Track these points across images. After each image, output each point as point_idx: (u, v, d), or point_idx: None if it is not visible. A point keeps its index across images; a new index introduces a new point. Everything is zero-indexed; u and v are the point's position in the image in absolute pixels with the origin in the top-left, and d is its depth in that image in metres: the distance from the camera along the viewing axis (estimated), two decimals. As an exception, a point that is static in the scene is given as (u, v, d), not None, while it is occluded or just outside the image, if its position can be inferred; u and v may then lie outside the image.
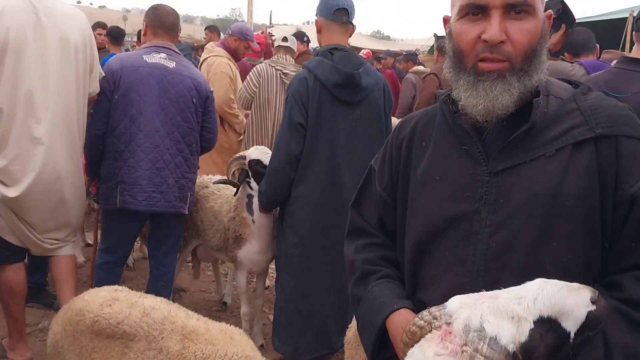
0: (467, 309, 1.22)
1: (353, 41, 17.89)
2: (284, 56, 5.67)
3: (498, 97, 1.42)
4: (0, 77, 3.22)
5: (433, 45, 13.55)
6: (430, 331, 1.27)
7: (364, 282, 1.74)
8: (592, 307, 1.23)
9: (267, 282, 4.97)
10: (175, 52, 3.96)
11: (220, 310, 4.95)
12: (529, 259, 1.42)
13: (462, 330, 1.18)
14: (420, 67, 9.84)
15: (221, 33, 9.73)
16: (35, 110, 3.30)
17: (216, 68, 5.87)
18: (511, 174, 1.46)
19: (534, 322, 1.18)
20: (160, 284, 3.99)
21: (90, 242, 5.28)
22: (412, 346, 1.29)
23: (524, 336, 1.16)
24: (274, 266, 4.15)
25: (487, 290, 1.30)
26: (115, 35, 8.02)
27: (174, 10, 4.05)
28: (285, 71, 5.50)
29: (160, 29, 3.94)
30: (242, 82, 5.85)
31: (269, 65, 5.59)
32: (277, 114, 5.46)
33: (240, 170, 3.92)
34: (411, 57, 10.97)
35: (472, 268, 1.48)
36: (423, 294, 1.61)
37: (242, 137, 5.91)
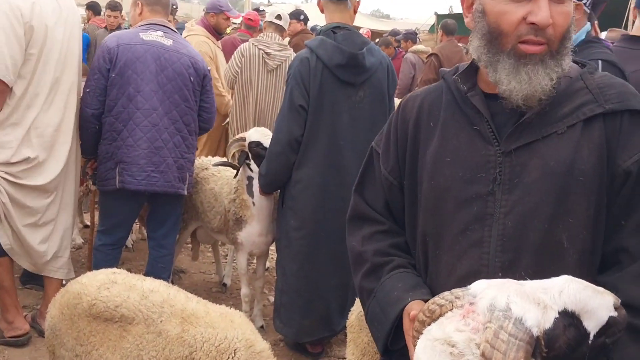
0: (493, 289, 1.19)
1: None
2: (271, 34, 5.54)
3: (541, 81, 1.40)
4: (43, 68, 3.43)
5: (433, 24, 13.48)
6: (451, 310, 1.24)
7: (375, 274, 1.69)
8: (614, 313, 1.22)
9: (267, 264, 4.94)
10: (172, 29, 3.91)
11: (220, 292, 4.93)
12: (546, 237, 1.40)
13: (486, 309, 1.16)
14: (420, 46, 9.72)
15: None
16: (62, 99, 3.56)
17: (194, 48, 5.79)
18: (524, 153, 1.44)
19: (559, 312, 1.16)
20: (159, 266, 3.96)
21: (89, 223, 5.25)
22: (430, 324, 1.26)
23: (548, 323, 1.14)
24: (274, 248, 4.13)
25: (504, 274, 1.29)
26: (95, 8, 10.14)
27: None
28: (268, 51, 5.41)
29: (157, 5, 3.89)
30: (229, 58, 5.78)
31: (252, 44, 5.50)
32: (259, 94, 5.43)
33: (240, 152, 3.87)
34: (410, 36, 10.82)
35: (488, 250, 1.45)
36: (437, 282, 1.56)
37: (227, 119, 5.85)
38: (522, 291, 1.18)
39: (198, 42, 5.71)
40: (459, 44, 8.22)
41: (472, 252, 1.47)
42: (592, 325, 1.19)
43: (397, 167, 1.70)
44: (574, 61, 1.55)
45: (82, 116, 3.68)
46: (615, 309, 1.22)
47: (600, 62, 2.64)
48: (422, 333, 1.26)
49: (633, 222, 1.41)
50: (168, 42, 3.77)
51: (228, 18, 6.24)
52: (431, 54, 7.77)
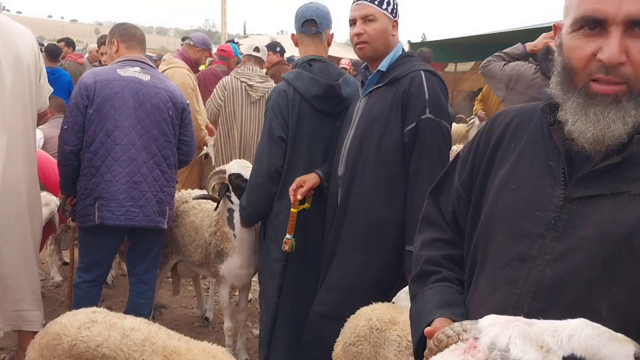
0: (497, 327, 1.17)
1: (329, 50, 17.88)
2: (252, 67, 5.64)
3: (610, 125, 1.27)
4: None
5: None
6: (456, 342, 1.23)
7: (422, 281, 1.66)
8: None
9: (250, 296, 4.90)
10: (149, 65, 3.92)
11: (202, 326, 4.87)
12: (583, 300, 1.29)
13: (487, 347, 1.13)
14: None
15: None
16: None
17: (177, 80, 5.71)
18: (587, 204, 1.33)
19: (564, 358, 1.11)
20: (140, 302, 3.90)
21: (68, 260, 5.18)
22: (436, 354, 1.25)
23: None
24: (256, 279, 4.10)
25: (530, 318, 1.20)
26: (51, 53, 9.08)
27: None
28: (251, 83, 5.51)
29: (133, 41, 3.92)
30: (213, 90, 5.82)
31: (234, 77, 5.58)
32: (243, 126, 5.53)
33: (220, 185, 3.86)
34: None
35: (520, 292, 1.37)
36: (471, 306, 1.52)
37: (203, 152, 5.93)
38: (527, 332, 1.14)
39: (181, 75, 5.73)
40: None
41: (506, 289, 1.40)
42: None
43: (470, 180, 1.64)
44: None
45: (61, 153, 3.65)
46: (637, 358, 1.14)
47: (422, 72, 2.94)
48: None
49: None
50: (145, 78, 3.78)
51: (209, 56, 6.40)
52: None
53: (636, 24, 1.24)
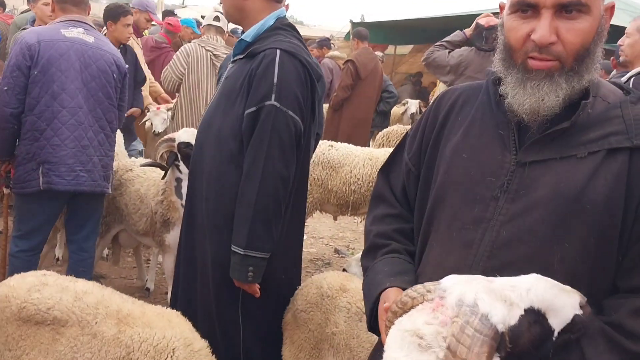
0: (461, 285, 1.24)
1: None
2: (215, 36, 5.51)
3: (544, 97, 1.39)
4: None
5: (349, 31, 13.74)
6: (422, 303, 1.28)
7: (372, 254, 1.75)
8: (580, 312, 1.27)
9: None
10: (92, 26, 3.82)
11: (143, 297, 4.80)
12: (537, 255, 1.40)
13: (455, 304, 1.20)
14: (336, 52, 9.93)
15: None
16: None
17: None
18: (538, 168, 1.43)
19: (525, 310, 1.21)
20: (80, 269, 3.81)
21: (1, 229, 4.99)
22: (401, 315, 1.31)
23: (514, 320, 1.19)
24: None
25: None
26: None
27: None
28: (217, 53, 5.36)
29: (67, 3, 3.75)
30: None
31: (199, 45, 5.42)
32: (208, 96, 5.30)
33: (169, 153, 3.82)
34: (325, 42, 10.99)
35: (476, 252, 1.46)
36: (424, 272, 1.60)
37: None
38: (490, 288, 1.23)
39: None
40: (375, 52, 8.47)
41: (461, 251, 1.49)
42: (557, 322, 1.25)
43: (418, 155, 1.72)
44: (621, 87, 1.53)
45: (1, 117, 3.49)
46: (581, 307, 1.28)
47: (279, 51, 2.54)
48: (393, 323, 1.31)
49: None
50: (90, 39, 3.69)
51: (150, 20, 6.16)
52: (347, 60, 7.97)
53: (564, 7, 1.37)
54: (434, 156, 1.66)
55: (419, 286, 1.33)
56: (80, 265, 3.89)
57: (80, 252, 3.91)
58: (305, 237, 6.83)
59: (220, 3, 2.86)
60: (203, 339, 2.36)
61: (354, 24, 14.48)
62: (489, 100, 1.58)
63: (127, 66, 3.98)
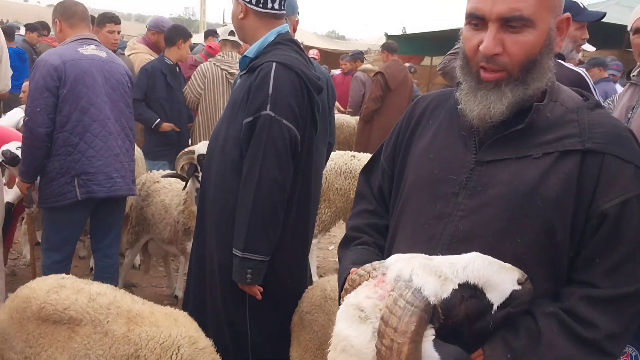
0: (401, 262, 1.34)
1: (307, 40, 17.93)
2: (230, 52, 5.66)
3: (490, 105, 1.49)
4: None
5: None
6: (367, 280, 1.39)
7: (346, 245, 1.87)
8: (518, 287, 1.36)
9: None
10: (99, 42, 4.09)
11: (172, 304, 4.96)
12: (491, 248, 1.46)
13: (393, 279, 1.31)
14: (368, 65, 10.05)
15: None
16: None
17: (139, 64, 5.91)
18: (496, 167, 1.52)
19: (459, 285, 1.30)
20: (106, 276, 4.00)
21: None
22: (351, 292, 1.42)
23: (446, 293, 1.28)
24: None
25: None
26: (7, 32, 9.22)
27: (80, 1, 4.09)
28: (232, 70, 5.49)
29: (74, 18, 3.94)
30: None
31: (214, 64, 5.60)
32: None
33: (189, 165, 4.00)
34: (358, 55, 11.14)
35: (436, 246, 1.55)
36: None
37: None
38: (427, 265, 1.33)
39: (142, 60, 5.85)
40: (404, 64, 8.56)
41: (424, 245, 1.57)
42: (495, 297, 1.33)
43: (393, 157, 1.83)
44: (581, 94, 1.61)
45: (34, 136, 3.68)
46: (520, 283, 1.37)
47: (274, 64, 2.68)
48: (343, 300, 1.42)
49: (607, 263, 1.43)
50: (103, 54, 3.96)
51: None
52: (377, 73, 8.07)
53: (508, 21, 1.46)
54: (405, 157, 1.76)
55: (367, 265, 1.44)
56: (105, 272, 4.10)
57: (105, 259, 4.13)
58: (332, 247, 6.96)
59: None
60: (208, 338, 2.49)
61: (389, 37, 14.63)
62: (455, 105, 1.66)
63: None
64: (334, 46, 23.28)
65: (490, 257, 1.36)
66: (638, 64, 2.98)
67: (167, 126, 5.68)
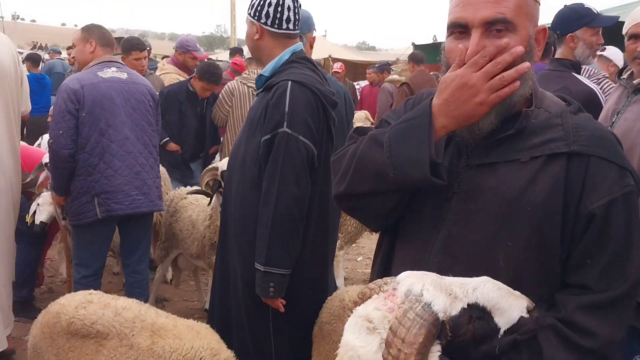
0: (413, 278, 1.36)
1: (336, 53, 18.04)
2: (255, 70, 5.78)
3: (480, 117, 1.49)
4: None
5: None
6: (378, 293, 1.41)
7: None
8: (526, 315, 1.37)
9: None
10: (122, 64, 4.24)
11: (202, 318, 5.08)
12: (484, 253, 1.49)
13: (404, 294, 1.33)
14: (395, 76, 10.10)
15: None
16: None
17: (167, 83, 6.11)
18: (485, 171, 1.54)
19: (468, 305, 1.31)
20: (136, 291, 4.13)
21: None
22: (360, 305, 1.43)
23: (455, 311, 1.29)
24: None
25: (441, 272, 1.40)
26: (33, 59, 10.74)
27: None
28: None
29: (109, 47, 4.16)
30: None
31: (241, 82, 5.75)
32: None
33: (213, 181, 4.10)
34: (384, 67, 11.20)
35: (431, 249, 1.58)
36: (392, 267, 1.71)
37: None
38: (438, 282, 1.34)
39: (170, 80, 6.04)
40: (430, 73, 8.57)
41: (420, 248, 1.60)
42: (502, 322, 1.34)
43: None
44: (564, 99, 1.64)
45: (59, 158, 3.85)
46: (529, 311, 1.37)
47: (290, 82, 2.74)
48: (352, 312, 1.44)
49: (598, 264, 1.44)
50: (123, 76, 4.08)
51: (195, 58, 6.60)
52: (403, 83, 8.12)
53: (491, 24, 1.47)
54: None
55: (378, 280, 1.46)
56: (135, 287, 4.22)
57: (134, 275, 4.25)
58: (360, 258, 6.98)
59: None
60: (230, 350, 2.56)
61: (416, 47, 14.63)
62: None
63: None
64: (363, 57, 23.37)
65: (500, 282, 1.38)
66: (629, 67, 2.94)
67: (173, 146, 5.89)
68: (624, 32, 2.94)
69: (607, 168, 1.46)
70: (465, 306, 1.32)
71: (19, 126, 4.02)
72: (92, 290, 2.88)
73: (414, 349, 1.23)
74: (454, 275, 1.41)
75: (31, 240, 4.63)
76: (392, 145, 1.54)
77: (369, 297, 1.44)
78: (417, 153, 1.49)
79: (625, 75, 2.92)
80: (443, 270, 1.42)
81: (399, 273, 1.44)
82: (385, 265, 1.77)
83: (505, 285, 1.38)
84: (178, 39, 6.81)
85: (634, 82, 2.78)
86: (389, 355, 1.26)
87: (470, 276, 1.41)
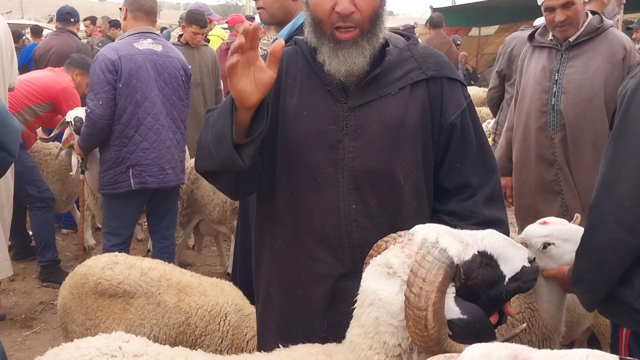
0: (427, 228, 1.47)
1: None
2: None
3: (355, 61, 1.68)
4: None
5: (428, 18, 13.70)
6: (393, 244, 1.51)
7: None
8: (528, 265, 1.51)
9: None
10: (158, 35, 4.19)
11: (225, 282, 5.20)
12: (386, 177, 1.72)
13: (420, 241, 1.42)
14: (414, 40, 9.97)
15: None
16: None
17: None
18: (366, 109, 1.73)
19: (478, 252, 1.44)
20: (165, 256, 4.17)
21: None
22: (376, 256, 1.52)
23: (467, 256, 1.41)
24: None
25: (356, 206, 1.70)
26: (35, 31, 11.68)
27: None
28: None
29: (140, 11, 4.08)
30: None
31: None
32: None
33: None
34: (409, 31, 11.06)
35: (343, 188, 1.72)
36: (303, 217, 1.77)
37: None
38: (451, 231, 1.45)
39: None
40: (447, 36, 8.47)
41: (330, 190, 1.73)
42: (507, 270, 1.48)
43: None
44: (400, 34, 1.86)
45: (98, 128, 3.87)
46: (530, 261, 1.52)
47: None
48: (369, 264, 1.53)
49: (467, 163, 1.76)
50: (159, 48, 4.05)
51: (210, 21, 6.58)
52: (421, 47, 8.03)
53: None
54: (275, 115, 1.78)
55: (392, 234, 1.55)
56: (164, 252, 4.27)
57: (162, 241, 4.31)
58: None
59: (258, 8, 3.02)
60: (253, 305, 2.62)
61: (434, 10, 14.40)
62: (309, 64, 1.81)
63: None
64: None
65: (503, 234, 1.52)
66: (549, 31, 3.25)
67: None
68: (539, 2, 3.14)
69: (454, 85, 1.78)
70: (476, 253, 1.44)
71: (7, 100, 3.98)
72: (117, 253, 2.94)
73: (434, 286, 1.33)
74: (369, 202, 1.71)
75: (42, 205, 4.83)
76: (212, 125, 1.66)
77: (385, 249, 1.53)
78: (223, 129, 1.60)
79: (543, 39, 3.27)
80: (360, 203, 1.70)
81: (321, 217, 1.69)
82: (262, 232, 1.90)
83: (508, 237, 1.54)
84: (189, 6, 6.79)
85: (570, 39, 3.09)
86: (410, 293, 1.35)
87: (383, 200, 1.72)
